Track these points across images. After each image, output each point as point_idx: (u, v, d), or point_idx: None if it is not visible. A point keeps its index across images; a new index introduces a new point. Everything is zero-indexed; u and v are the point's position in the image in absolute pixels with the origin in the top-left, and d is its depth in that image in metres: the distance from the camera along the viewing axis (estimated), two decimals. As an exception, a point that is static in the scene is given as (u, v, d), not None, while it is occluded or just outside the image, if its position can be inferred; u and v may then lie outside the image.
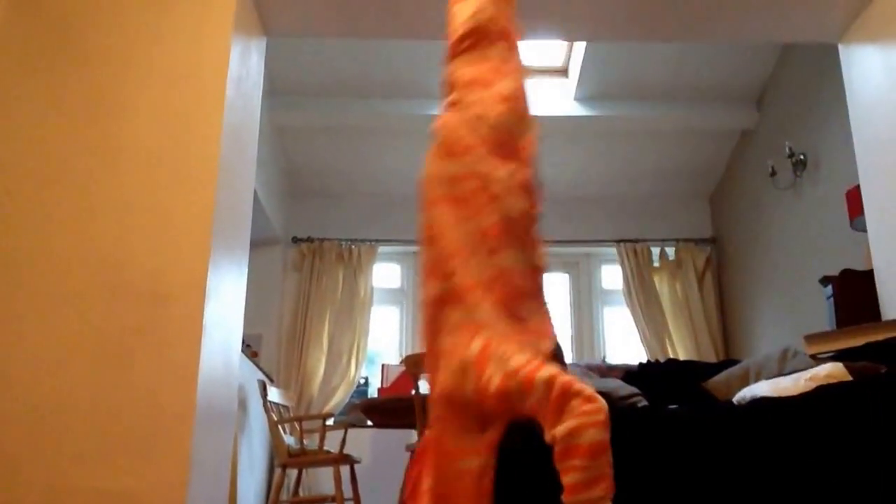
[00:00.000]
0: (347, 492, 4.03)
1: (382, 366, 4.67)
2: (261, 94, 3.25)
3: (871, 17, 3.16)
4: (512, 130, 1.54)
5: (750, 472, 1.74)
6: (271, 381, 4.99)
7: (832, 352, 2.39)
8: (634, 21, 3.33)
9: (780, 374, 2.24)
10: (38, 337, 2.39)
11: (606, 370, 2.84)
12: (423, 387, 3.28)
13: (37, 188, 2.55)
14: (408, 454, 3.44)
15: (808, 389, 1.90)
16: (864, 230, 3.26)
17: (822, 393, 1.86)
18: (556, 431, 1.17)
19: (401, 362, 4.80)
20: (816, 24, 3.32)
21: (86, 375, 2.36)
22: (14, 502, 2.23)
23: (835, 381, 1.91)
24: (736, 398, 2.08)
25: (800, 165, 4.47)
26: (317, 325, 5.37)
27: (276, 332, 5.45)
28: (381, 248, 5.68)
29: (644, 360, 2.89)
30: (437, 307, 1.40)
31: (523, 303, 1.41)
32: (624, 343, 5.68)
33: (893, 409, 1.77)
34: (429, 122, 5.91)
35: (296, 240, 5.67)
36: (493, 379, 1.25)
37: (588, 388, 1.20)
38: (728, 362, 2.74)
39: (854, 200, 3.41)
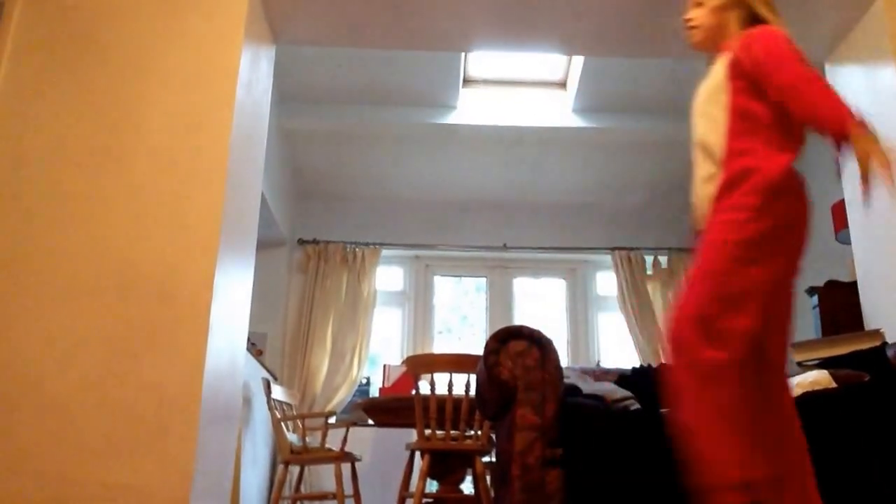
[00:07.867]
0: (348, 489, 4.00)
1: (384, 366, 4.62)
2: (270, 99, 3.28)
3: (855, 39, 3.26)
4: None
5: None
6: (275, 379, 4.99)
7: (818, 359, 2.49)
8: (630, 38, 3.42)
9: (769, 380, 2.33)
10: (50, 332, 2.41)
11: (601, 374, 2.91)
12: (423, 387, 3.34)
13: (52, 186, 2.57)
14: (407, 452, 3.51)
15: (794, 395, 1.93)
16: (849, 243, 3.34)
17: (808, 399, 1.95)
18: None
19: (402, 363, 4.85)
20: (804, 44, 3.30)
21: (95, 370, 2.38)
22: (23, 493, 2.26)
23: (820, 387, 2.00)
24: (727, 402, 2.18)
25: (788, 179, 4.55)
26: (321, 325, 5.37)
27: (281, 332, 5.45)
28: (385, 252, 5.68)
29: (637, 365, 2.96)
30: None
31: None
32: (618, 348, 5.68)
33: (876, 415, 1.87)
34: (432, 129, 5.99)
35: (301, 241, 5.66)
36: None
37: None
38: (719, 368, 2.83)
39: (839, 214, 3.51)
